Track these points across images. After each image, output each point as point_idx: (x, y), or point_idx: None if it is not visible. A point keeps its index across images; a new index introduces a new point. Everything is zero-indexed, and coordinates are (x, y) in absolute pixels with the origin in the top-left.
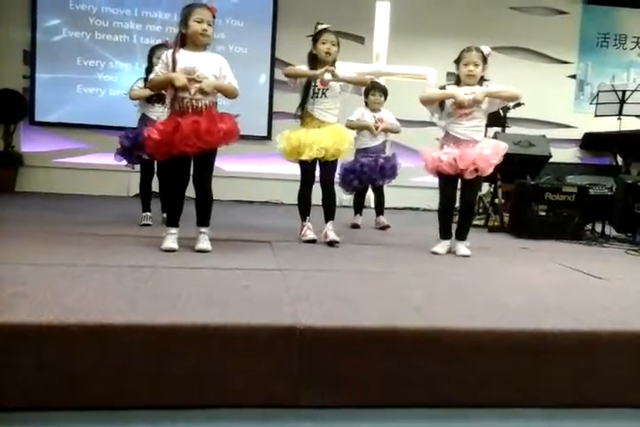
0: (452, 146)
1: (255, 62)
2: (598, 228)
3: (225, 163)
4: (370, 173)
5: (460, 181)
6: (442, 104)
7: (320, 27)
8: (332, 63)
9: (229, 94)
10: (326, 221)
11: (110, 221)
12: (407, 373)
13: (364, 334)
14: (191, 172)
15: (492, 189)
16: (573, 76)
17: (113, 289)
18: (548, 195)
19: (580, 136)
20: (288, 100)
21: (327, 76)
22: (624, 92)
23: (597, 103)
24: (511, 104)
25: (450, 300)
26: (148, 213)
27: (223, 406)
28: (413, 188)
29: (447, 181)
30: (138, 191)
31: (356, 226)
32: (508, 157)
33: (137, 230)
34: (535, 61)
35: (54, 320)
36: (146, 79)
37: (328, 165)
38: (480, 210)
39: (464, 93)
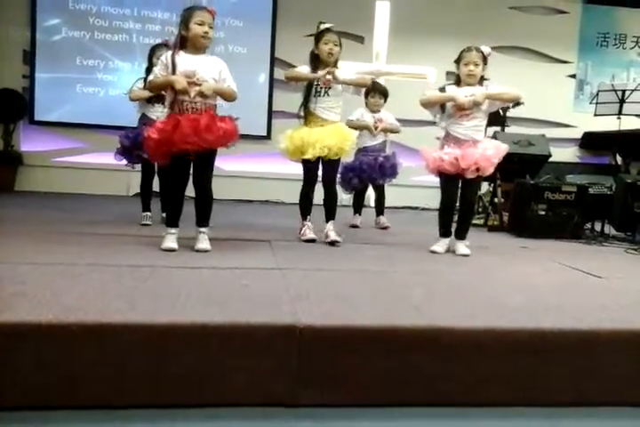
0: (452, 146)
1: (255, 62)
2: (598, 227)
3: (225, 162)
4: (370, 172)
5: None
6: (442, 106)
7: (323, 26)
8: (335, 63)
9: (228, 97)
10: (327, 221)
11: (110, 221)
12: (407, 372)
13: (363, 333)
14: (191, 171)
15: (491, 189)
16: (573, 76)
17: (112, 288)
18: (548, 194)
19: (579, 135)
20: (288, 100)
21: (328, 76)
22: (624, 91)
23: (597, 103)
24: (511, 104)
25: (449, 299)
26: (148, 213)
27: (222, 405)
28: (413, 187)
29: (449, 180)
30: (137, 191)
31: (354, 226)
32: (507, 156)
33: (136, 230)
34: (535, 61)
35: (53, 319)
36: (145, 79)
37: (331, 164)
38: (480, 209)
39: (464, 95)
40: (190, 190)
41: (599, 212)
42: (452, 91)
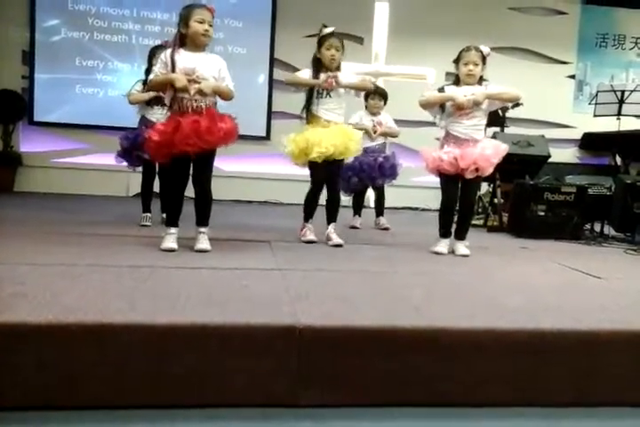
0: (452, 145)
1: (254, 62)
2: (597, 227)
3: (224, 163)
4: (369, 172)
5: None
6: (442, 106)
7: (325, 31)
8: (337, 68)
9: (225, 97)
10: (328, 223)
11: (109, 222)
12: (406, 372)
13: (363, 334)
14: (191, 172)
15: (491, 189)
16: (572, 77)
17: (112, 289)
18: (547, 195)
19: (579, 136)
20: (287, 101)
21: (330, 80)
22: (623, 92)
23: (596, 103)
24: (510, 104)
25: (449, 299)
26: (148, 214)
27: (222, 406)
28: (413, 187)
29: (449, 180)
30: (137, 191)
31: (354, 227)
32: (507, 156)
33: (136, 230)
34: (534, 61)
35: (53, 320)
36: (144, 81)
37: (335, 165)
38: (479, 210)
39: (463, 94)
40: (190, 190)
41: (599, 212)
42: (452, 90)
